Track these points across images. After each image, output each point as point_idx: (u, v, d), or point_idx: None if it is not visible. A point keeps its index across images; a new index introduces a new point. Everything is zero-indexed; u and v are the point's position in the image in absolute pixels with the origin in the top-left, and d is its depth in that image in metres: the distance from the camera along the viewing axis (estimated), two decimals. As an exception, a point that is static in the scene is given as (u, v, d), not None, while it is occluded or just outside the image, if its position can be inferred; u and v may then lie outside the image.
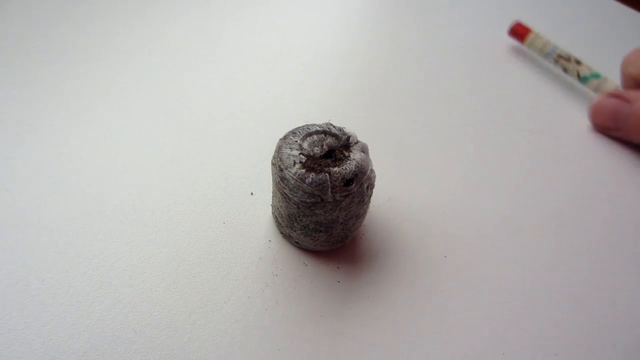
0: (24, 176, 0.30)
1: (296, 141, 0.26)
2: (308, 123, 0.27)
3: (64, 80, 0.37)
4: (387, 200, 0.32)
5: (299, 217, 0.26)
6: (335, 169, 0.25)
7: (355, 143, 0.26)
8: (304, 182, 0.24)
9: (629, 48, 0.40)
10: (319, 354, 0.25)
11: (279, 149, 0.26)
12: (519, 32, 0.45)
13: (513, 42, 0.47)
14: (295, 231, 0.27)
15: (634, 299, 0.29)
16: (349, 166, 0.25)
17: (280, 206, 0.27)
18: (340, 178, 0.24)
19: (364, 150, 0.26)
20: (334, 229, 0.26)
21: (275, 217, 0.29)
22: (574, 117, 0.40)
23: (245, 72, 0.41)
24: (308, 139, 0.26)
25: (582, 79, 0.41)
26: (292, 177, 0.24)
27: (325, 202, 0.25)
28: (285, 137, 0.26)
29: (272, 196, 0.28)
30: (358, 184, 0.25)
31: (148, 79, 0.39)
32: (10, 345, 0.23)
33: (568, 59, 0.42)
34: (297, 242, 0.28)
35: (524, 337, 0.26)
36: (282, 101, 0.38)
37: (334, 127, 0.27)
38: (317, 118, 0.37)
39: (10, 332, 0.24)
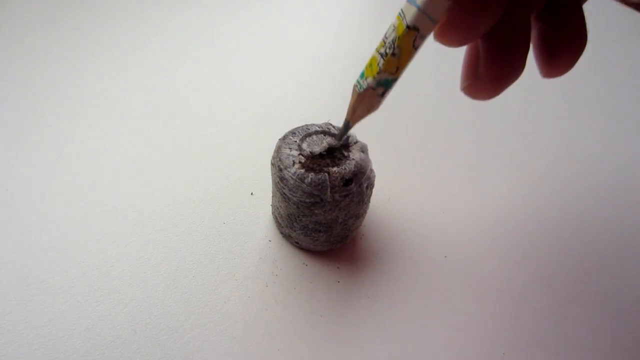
0: (24, 176, 0.30)
1: (295, 141, 0.26)
2: (308, 123, 0.27)
3: (64, 80, 0.37)
4: (387, 200, 0.32)
5: (298, 217, 0.26)
6: (335, 168, 0.24)
7: (355, 143, 0.26)
8: (303, 182, 0.24)
9: (629, 48, 0.39)
10: (319, 354, 0.25)
11: (278, 149, 0.26)
12: None
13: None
14: (295, 231, 0.27)
15: (634, 299, 0.29)
16: (348, 166, 0.25)
17: (280, 206, 0.27)
18: (339, 178, 0.24)
19: (364, 150, 0.26)
20: (333, 229, 0.26)
21: (275, 217, 0.29)
22: (572, 117, 0.40)
23: (245, 72, 0.41)
24: (307, 139, 0.26)
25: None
26: (291, 177, 0.24)
27: (324, 202, 0.25)
28: (284, 137, 0.26)
29: (272, 196, 0.28)
30: (357, 184, 0.25)
31: (148, 79, 0.39)
32: (10, 345, 0.23)
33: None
34: (297, 242, 0.28)
35: (524, 337, 0.26)
36: (282, 101, 0.38)
37: (333, 127, 0.27)
38: (317, 118, 0.37)
39: (10, 332, 0.24)
